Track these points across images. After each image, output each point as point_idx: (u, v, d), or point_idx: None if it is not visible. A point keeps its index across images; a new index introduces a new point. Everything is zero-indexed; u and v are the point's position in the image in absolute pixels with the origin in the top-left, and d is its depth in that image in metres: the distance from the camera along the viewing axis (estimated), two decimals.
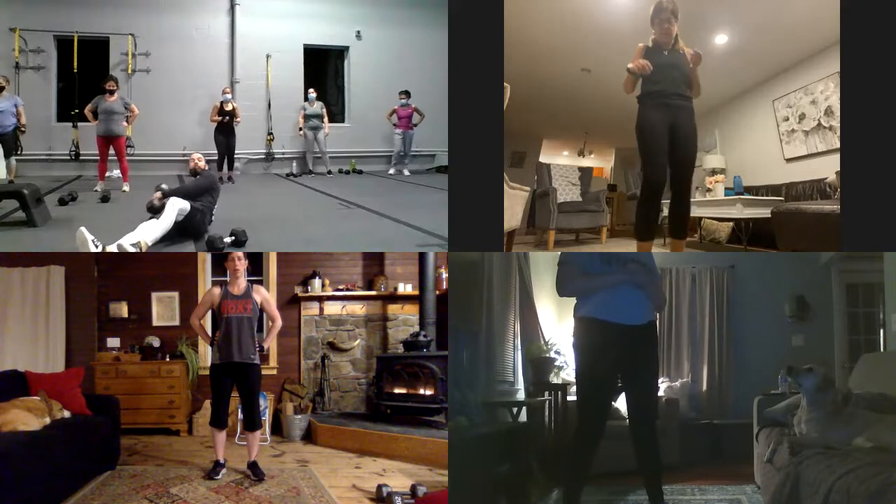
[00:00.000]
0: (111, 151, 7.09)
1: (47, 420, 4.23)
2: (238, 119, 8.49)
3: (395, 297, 6.74)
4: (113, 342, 6.69)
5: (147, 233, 4.47)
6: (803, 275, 6.22)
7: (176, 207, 4.68)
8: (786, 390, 4.46)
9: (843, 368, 5.81)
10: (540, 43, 5.73)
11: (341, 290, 6.81)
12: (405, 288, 6.70)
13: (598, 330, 3.14)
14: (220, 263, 5.52)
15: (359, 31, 9.89)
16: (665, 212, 6.36)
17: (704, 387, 6.26)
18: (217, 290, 4.66)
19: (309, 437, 6.14)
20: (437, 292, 6.27)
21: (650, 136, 4.32)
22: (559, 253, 3.42)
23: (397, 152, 9.40)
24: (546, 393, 5.14)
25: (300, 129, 9.20)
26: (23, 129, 7.04)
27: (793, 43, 5.62)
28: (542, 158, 8.60)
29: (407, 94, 9.16)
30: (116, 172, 7.34)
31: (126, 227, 4.62)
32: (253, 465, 4.59)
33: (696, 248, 6.75)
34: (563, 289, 3.29)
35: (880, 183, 3.59)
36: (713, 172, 6.93)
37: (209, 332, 4.99)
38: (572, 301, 3.31)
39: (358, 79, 9.97)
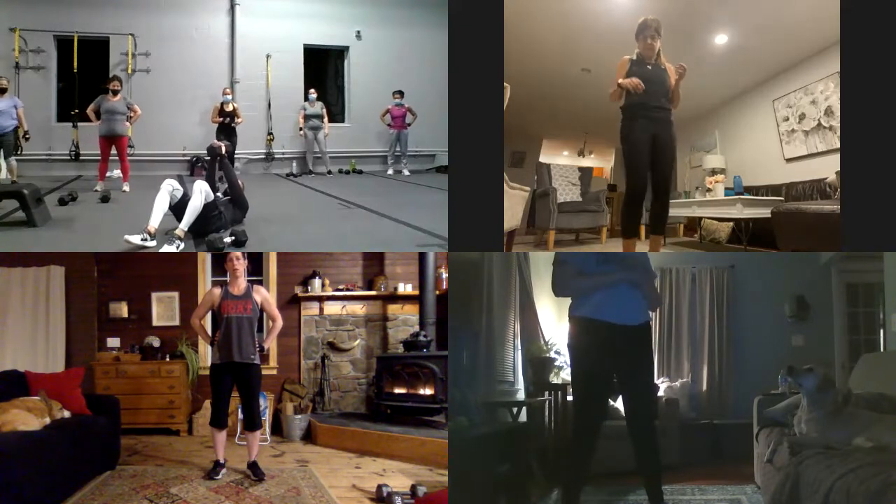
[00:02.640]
0: (113, 151, 7.09)
1: (47, 420, 4.23)
2: (239, 119, 8.49)
3: (395, 297, 6.74)
4: (113, 342, 6.69)
5: (184, 222, 4.60)
6: (803, 275, 6.21)
7: (203, 190, 4.69)
8: (786, 390, 4.45)
9: (843, 368, 5.81)
10: (540, 43, 5.73)
11: (341, 290, 6.81)
12: (405, 288, 6.70)
13: (594, 330, 3.15)
14: (220, 263, 5.52)
15: (359, 31, 9.89)
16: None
17: (704, 387, 6.25)
18: (217, 291, 4.66)
19: (309, 437, 6.14)
20: (437, 292, 6.27)
21: (633, 147, 4.52)
22: (554, 253, 3.42)
23: (392, 152, 9.41)
24: (546, 393, 5.14)
25: (300, 129, 9.20)
26: (27, 135, 7.04)
27: (793, 43, 5.62)
28: (542, 158, 8.61)
29: (401, 93, 9.15)
30: (116, 172, 7.33)
31: (126, 227, 4.62)
32: (253, 465, 4.59)
33: (696, 248, 6.75)
34: (559, 289, 3.30)
35: (880, 183, 3.59)
36: (713, 172, 6.93)
37: (209, 332, 4.99)
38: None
39: (358, 79, 9.96)
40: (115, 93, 7.01)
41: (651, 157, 4.52)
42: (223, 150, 5.20)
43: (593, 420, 3.20)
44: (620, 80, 4.42)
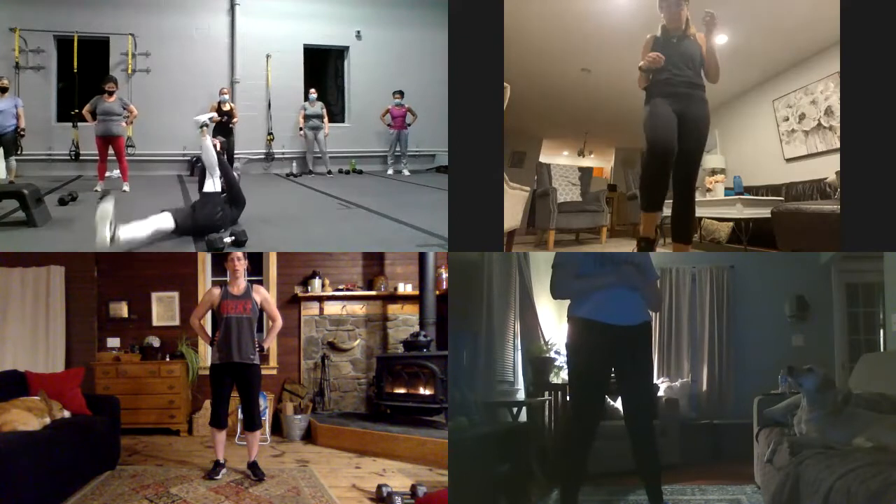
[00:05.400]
0: (111, 151, 7.10)
1: (47, 420, 4.23)
2: (236, 119, 8.49)
3: (395, 297, 6.74)
4: (113, 342, 6.68)
5: (129, 230, 4.40)
6: (803, 275, 6.22)
7: (157, 223, 4.57)
8: (786, 390, 4.46)
9: (843, 368, 5.81)
10: (540, 43, 5.73)
11: (341, 290, 6.81)
12: (405, 288, 6.70)
13: (592, 331, 3.15)
14: (220, 263, 5.53)
15: (359, 31, 9.89)
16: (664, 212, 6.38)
17: (704, 387, 6.26)
18: (217, 291, 4.66)
19: (309, 437, 6.14)
20: (437, 292, 6.27)
21: (654, 114, 4.09)
22: (554, 254, 3.42)
23: (392, 152, 9.42)
24: (546, 393, 5.14)
25: (300, 129, 9.20)
26: (22, 132, 7.03)
27: (793, 43, 5.62)
28: (542, 158, 8.59)
29: (401, 93, 9.16)
30: (116, 172, 7.33)
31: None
32: (253, 465, 4.59)
33: (696, 248, 6.74)
34: (557, 291, 3.30)
35: (880, 183, 3.59)
36: (713, 172, 6.92)
37: (209, 332, 4.99)
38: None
39: (358, 79, 9.97)
40: (111, 93, 7.00)
41: (679, 137, 4.06)
42: (218, 146, 5.19)
43: (590, 420, 3.20)
44: (641, 64, 4.07)
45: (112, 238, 4.22)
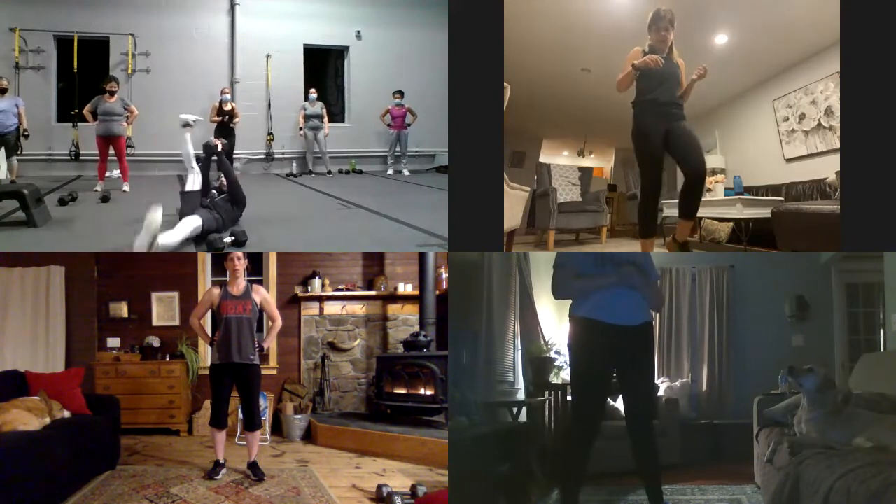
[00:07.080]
0: (111, 151, 7.10)
1: (47, 420, 4.23)
2: (237, 119, 8.49)
3: (395, 297, 6.74)
4: (113, 342, 6.69)
5: (166, 237, 4.40)
6: (803, 275, 6.22)
7: (191, 226, 4.59)
8: (786, 390, 4.45)
9: (843, 368, 5.81)
10: (540, 43, 5.73)
11: (341, 290, 6.81)
12: (405, 288, 6.70)
13: (593, 330, 3.15)
14: (220, 263, 5.53)
15: (359, 31, 9.90)
16: (665, 211, 6.41)
17: (704, 387, 6.25)
18: (216, 291, 4.66)
19: (309, 437, 6.14)
20: (437, 292, 6.27)
21: (645, 144, 4.39)
22: (555, 254, 3.42)
23: (392, 152, 9.42)
24: (546, 393, 5.14)
25: (300, 129, 9.20)
26: (26, 133, 7.03)
27: (793, 43, 5.62)
28: (542, 158, 8.59)
29: (401, 93, 9.16)
30: (116, 172, 7.34)
31: (126, 228, 4.62)
32: (253, 465, 4.59)
33: (696, 248, 6.75)
34: (558, 291, 3.30)
35: (880, 183, 3.59)
36: (713, 172, 6.93)
37: (209, 332, 4.99)
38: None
39: (358, 79, 9.97)
40: (112, 94, 7.00)
41: (673, 151, 4.38)
42: (220, 147, 5.19)
43: (591, 420, 3.20)
44: (635, 62, 4.26)
45: (150, 244, 4.23)
